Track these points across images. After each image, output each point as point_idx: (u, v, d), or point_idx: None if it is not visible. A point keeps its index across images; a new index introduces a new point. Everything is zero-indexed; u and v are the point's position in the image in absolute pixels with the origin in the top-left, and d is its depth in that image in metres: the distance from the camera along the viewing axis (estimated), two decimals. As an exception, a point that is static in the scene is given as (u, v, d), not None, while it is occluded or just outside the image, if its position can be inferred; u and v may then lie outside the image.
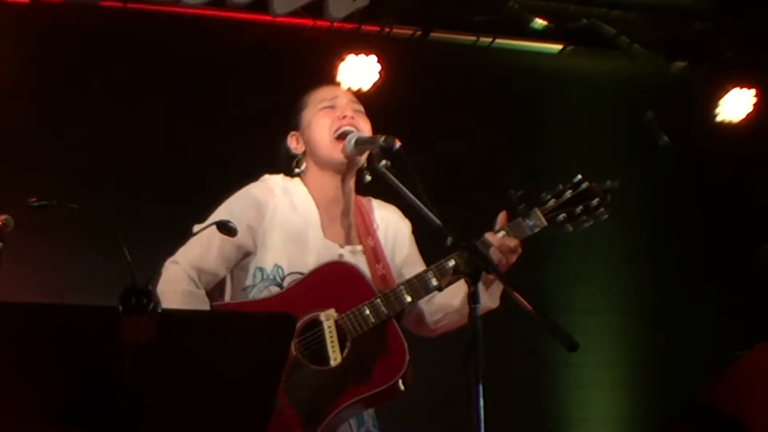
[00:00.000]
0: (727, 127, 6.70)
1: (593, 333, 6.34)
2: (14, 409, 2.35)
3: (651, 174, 6.62)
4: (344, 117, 3.60)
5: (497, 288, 3.48)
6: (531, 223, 3.48)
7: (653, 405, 6.33)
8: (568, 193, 3.50)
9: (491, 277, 3.38)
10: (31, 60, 5.60)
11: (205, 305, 3.47)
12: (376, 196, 3.76)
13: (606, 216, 3.50)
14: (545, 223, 3.49)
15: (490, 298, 3.45)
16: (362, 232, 3.65)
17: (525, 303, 2.88)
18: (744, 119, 6.68)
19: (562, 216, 3.49)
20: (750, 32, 6.59)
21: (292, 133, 3.70)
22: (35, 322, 2.34)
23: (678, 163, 6.58)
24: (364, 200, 3.73)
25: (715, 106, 6.68)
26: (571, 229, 3.50)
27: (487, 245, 3.43)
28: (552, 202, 3.49)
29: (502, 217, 3.50)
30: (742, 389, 3.52)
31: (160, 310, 2.38)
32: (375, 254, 3.61)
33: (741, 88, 6.64)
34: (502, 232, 3.46)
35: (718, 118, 6.70)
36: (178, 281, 3.46)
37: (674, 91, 6.63)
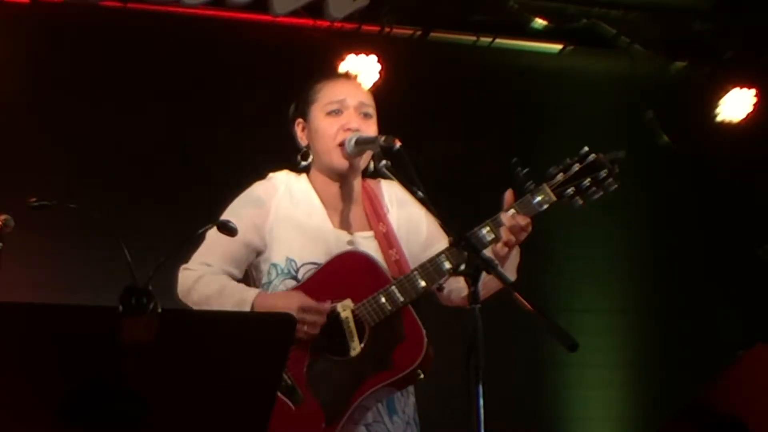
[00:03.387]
0: (727, 127, 6.70)
1: (593, 333, 6.34)
2: (14, 409, 2.35)
3: (651, 174, 6.61)
4: (348, 129, 3.56)
5: (514, 261, 3.45)
6: (540, 199, 3.40)
7: (653, 405, 6.33)
8: (576, 167, 3.43)
9: (501, 251, 3.38)
10: (31, 60, 5.61)
11: (222, 278, 3.49)
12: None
13: (615, 186, 3.43)
14: (554, 198, 3.41)
15: (509, 272, 3.42)
16: (372, 218, 3.63)
17: (525, 303, 2.87)
18: (744, 119, 6.69)
19: (570, 190, 3.41)
20: (750, 32, 6.59)
21: (299, 120, 3.67)
22: (35, 322, 2.34)
23: (678, 163, 6.58)
24: (372, 183, 3.70)
25: (715, 106, 6.68)
26: (581, 202, 3.42)
27: (498, 224, 3.39)
28: (560, 176, 3.42)
29: (509, 195, 3.42)
30: (742, 389, 3.51)
31: (160, 310, 2.38)
32: (387, 240, 3.59)
33: (741, 88, 6.64)
34: (512, 211, 3.40)
35: (718, 118, 6.70)
36: (191, 279, 3.50)
37: (674, 91, 6.63)
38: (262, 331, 2.54)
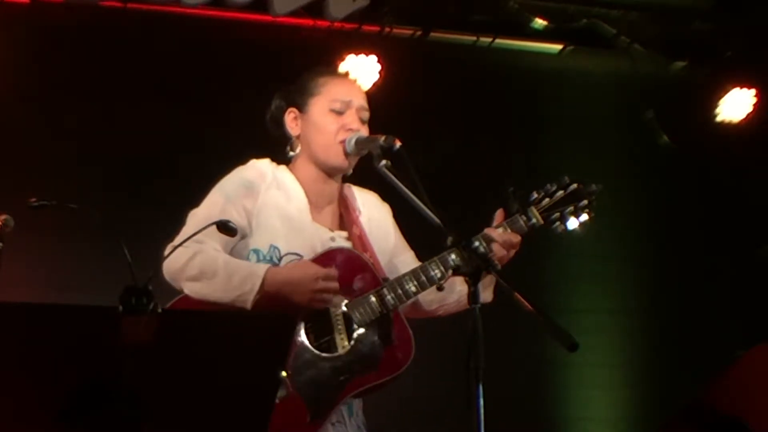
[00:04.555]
0: (727, 127, 6.70)
1: (593, 333, 6.34)
2: (14, 409, 2.35)
3: (651, 174, 6.62)
4: (349, 129, 3.57)
5: (490, 282, 3.46)
6: (528, 220, 3.55)
7: (653, 405, 6.33)
8: (560, 193, 3.58)
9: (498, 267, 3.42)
10: (31, 60, 5.60)
11: (223, 255, 3.41)
12: (355, 183, 3.76)
13: (588, 219, 3.59)
14: (541, 221, 3.57)
15: (483, 292, 3.46)
16: (347, 220, 3.65)
17: (525, 303, 2.88)
18: (744, 119, 6.68)
19: (555, 215, 3.58)
20: (750, 32, 6.58)
21: (292, 110, 3.66)
22: (35, 322, 2.34)
23: (678, 163, 6.58)
24: (344, 187, 3.72)
25: (715, 106, 6.67)
26: (560, 229, 3.59)
27: (489, 240, 3.45)
28: (546, 200, 3.57)
29: (499, 214, 3.55)
30: (742, 389, 3.52)
31: (160, 310, 2.38)
32: (361, 242, 3.60)
33: (741, 88, 6.64)
34: (500, 229, 3.51)
35: (718, 118, 6.69)
36: (185, 256, 3.37)
37: (674, 91, 6.62)
38: (261, 331, 2.55)
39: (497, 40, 6.47)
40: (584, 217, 3.59)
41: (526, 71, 6.58)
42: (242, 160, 3.69)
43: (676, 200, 6.66)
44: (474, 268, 2.99)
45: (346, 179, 3.71)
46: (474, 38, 6.44)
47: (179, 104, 5.79)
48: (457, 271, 3.16)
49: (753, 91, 6.64)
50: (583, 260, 6.57)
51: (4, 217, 3.55)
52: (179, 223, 3.58)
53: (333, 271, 3.37)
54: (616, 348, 6.61)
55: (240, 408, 2.48)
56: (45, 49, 5.64)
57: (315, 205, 3.61)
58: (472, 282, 2.96)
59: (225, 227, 3.16)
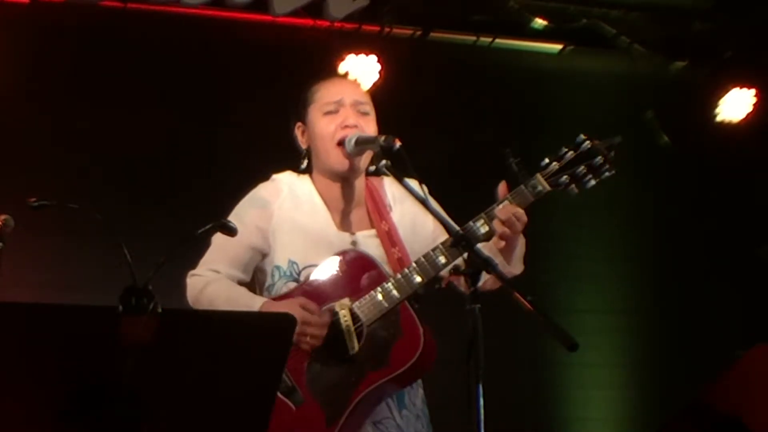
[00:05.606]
0: (727, 127, 6.70)
1: (593, 333, 6.34)
2: (14, 409, 2.35)
3: (651, 174, 6.62)
4: (346, 126, 3.57)
5: (519, 252, 3.47)
6: (533, 189, 3.41)
7: (653, 405, 6.33)
8: (570, 154, 3.43)
9: (498, 245, 3.39)
10: (31, 60, 5.61)
11: (228, 286, 3.50)
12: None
13: (611, 173, 3.43)
14: (548, 187, 3.41)
15: (515, 263, 3.46)
16: (375, 216, 3.63)
17: (525, 303, 2.88)
18: (744, 119, 6.69)
19: (565, 178, 3.41)
20: (750, 32, 6.59)
21: (299, 124, 3.68)
22: (35, 322, 2.34)
23: (678, 163, 6.58)
24: (375, 181, 3.70)
25: (715, 106, 6.68)
26: (576, 190, 3.42)
27: (491, 217, 3.40)
28: (554, 165, 3.42)
29: (502, 187, 3.44)
30: (742, 389, 3.52)
31: (160, 310, 2.38)
32: (390, 238, 3.59)
33: (741, 88, 6.64)
34: (505, 202, 3.41)
35: (718, 118, 6.70)
36: (198, 287, 3.52)
37: (674, 91, 6.63)
38: (262, 331, 2.55)
39: (497, 40, 6.47)
40: (605, 174, 3.42)
41: (526, 71, 6.58)
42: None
43: (676, 200, 6.66)
44: (474, 268, 2.99)
45: (376, 174, 3.69)
46: (474, 38, 6.44)
47: (179, 104, 5.80)
48: (457, 271, 3.15)
49: (753, 91, 6.64)
50: (583, 260, 6.57)
51: (4, 217, 3.54)
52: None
53: (319, 320, 3.39)
54: (616, 348, 6.61)
55: (240, 408, 2.48)
56: (45, 49, 5.64)
57: (336, 211, 3.62)
58: (472, 282, 2.96)
59: (224, 227, 3.16)
